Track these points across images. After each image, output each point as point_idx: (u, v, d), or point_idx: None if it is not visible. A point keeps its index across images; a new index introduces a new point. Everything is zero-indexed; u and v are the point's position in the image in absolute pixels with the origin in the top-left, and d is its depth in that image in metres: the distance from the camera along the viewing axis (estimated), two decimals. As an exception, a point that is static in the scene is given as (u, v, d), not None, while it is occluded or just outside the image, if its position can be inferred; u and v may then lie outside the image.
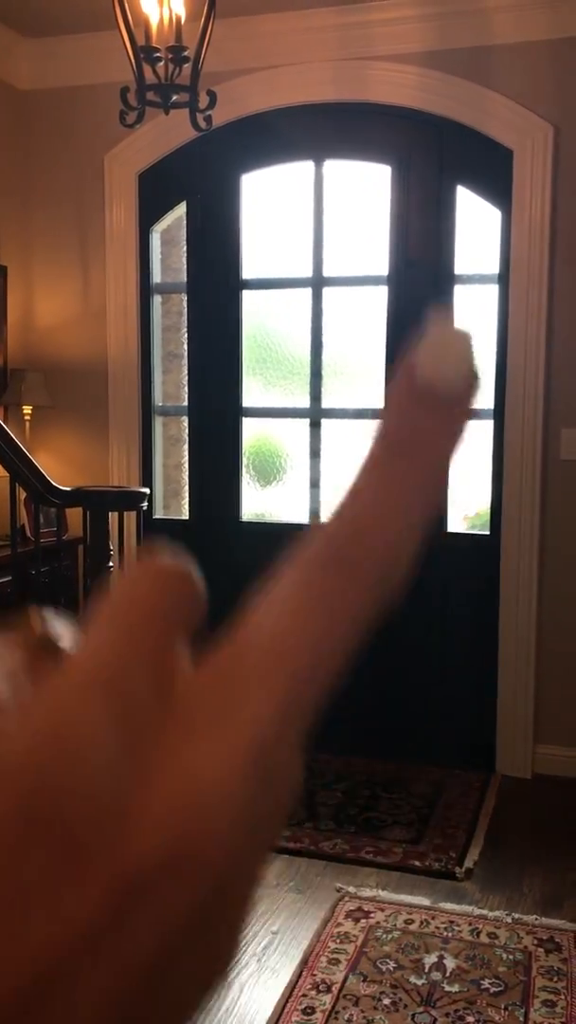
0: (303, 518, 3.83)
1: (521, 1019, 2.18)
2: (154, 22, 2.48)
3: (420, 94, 3.48)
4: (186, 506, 3.99)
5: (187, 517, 3.97)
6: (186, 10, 2.52)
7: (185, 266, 3.87)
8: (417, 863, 2.91)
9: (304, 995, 2.26)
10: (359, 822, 3.18)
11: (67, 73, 3.84)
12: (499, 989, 2.29)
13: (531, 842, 3.07)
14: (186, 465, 3.98)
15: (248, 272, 3.78)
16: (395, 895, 2.72)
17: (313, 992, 2.27)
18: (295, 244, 3.72)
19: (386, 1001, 2.24)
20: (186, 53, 2.46)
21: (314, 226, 3.68)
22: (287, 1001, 2.24)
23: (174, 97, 2.51)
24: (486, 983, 2.31)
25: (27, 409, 3.82)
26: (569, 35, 3.32)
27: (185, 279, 3.88)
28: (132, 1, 2.46)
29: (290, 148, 3.68)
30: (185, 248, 3.86)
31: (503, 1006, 2.22)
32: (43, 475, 2.46)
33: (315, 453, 3.79)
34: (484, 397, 3.57)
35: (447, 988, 2.29)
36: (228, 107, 3.55)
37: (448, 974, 2.34)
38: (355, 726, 3.77)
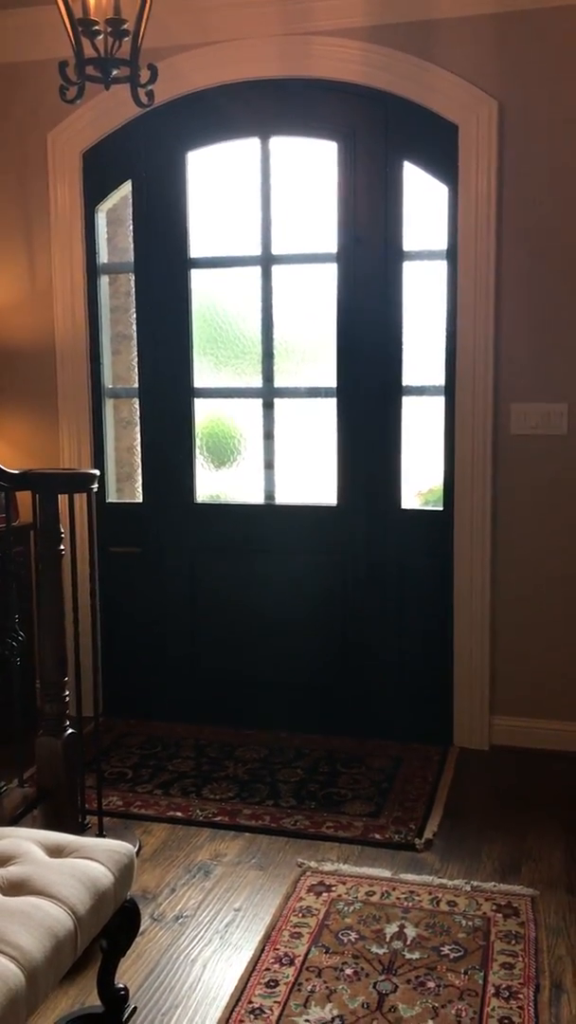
0: (258, 498, 3.82)
1: (480, 982, 2.21)
2: (92, -6, 2.44)
3: (365, 69, 3.46)
4: (139, 489, 3.96)
5: (141, 500, 3.94)
6: (125, -17, 2.48)
7: (132, 246, 3.83)
8: (377, 836, 2.94)
9: (267, 969, 2.27)
10: (319, 798, 3.19)
11: (5, 50, 3.75)
12: (459, 954, 2.32)
13: (489, 811, 3.11)
14: (138, 448, 3.95)
15: (196, 251, 3.75)
16: (356, 868, 2.75)
17: (276, 965, 2.29)
18: (243, 222, 3.69)
19: (348, 971, 2.26)
20: (126, 26, 2.42)
21: (261, 203, 3.65)
22: (250, 975, 2.25)
23: (114, 72, 2.47)
24: (446, 949, 2.34)
25: (-26, 394, 3.76)
26: (513, 9, 3.32)
27: (132, 259, 3.83)
28: (69, -28, 2.41)
29: (235, 125, 3.64)
30: (132, 227, 3.81)
31: (463, 970, 2.26)
32: (-10, 458, 2.42)
33: (268, 434, 3.78)
34: (435, 374, 3.59)
35: (408, 956, 2.32)
36: (170, 84, 3.51)
37: (409, 942, 2.37)
38: (313, 704, 3.79)
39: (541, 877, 2.70)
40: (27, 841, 1.94)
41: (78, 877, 1.80)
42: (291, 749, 3.60)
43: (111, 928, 1.93)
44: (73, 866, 1.84)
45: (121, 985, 2.02)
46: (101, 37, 2.43)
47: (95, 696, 2.67)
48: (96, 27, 2.42)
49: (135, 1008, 2.09)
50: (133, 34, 2.44)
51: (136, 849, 2.62)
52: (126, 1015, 2.01)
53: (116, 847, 1.94)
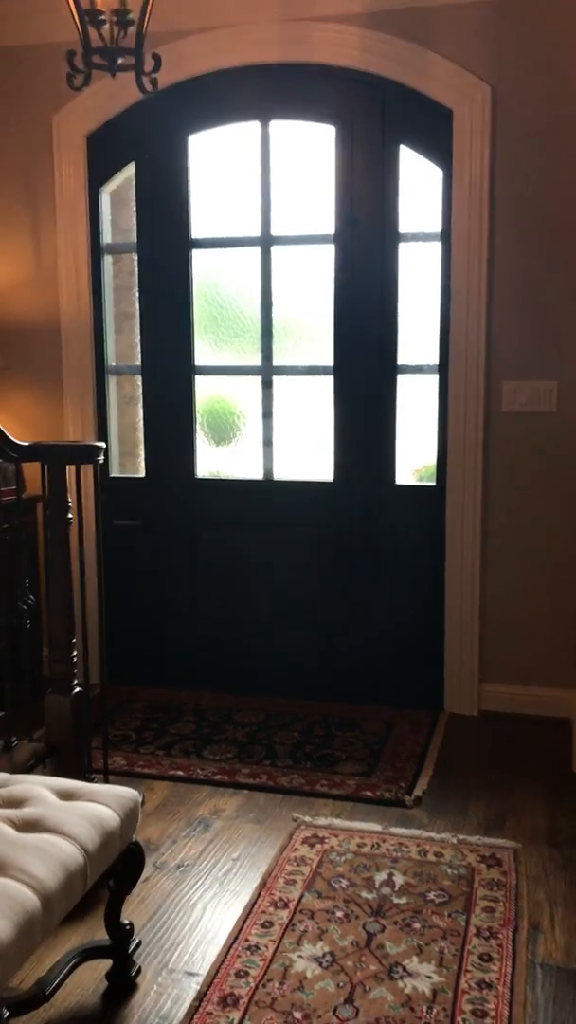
0: (257, 474, 3.94)
1: (463, 924, 2.36)
2: (99, -15, 2.54)
3: (362, 55, 3.56)
4: (142, 464, 4.08)
5: (143, 475, 4.07)
6: (130, -27, 2.58)
7: (135, 226, 3.93)
8: (369, 793, 3.08)
9: (263, 911, 2.42)
10: (315, 758, 3.34)
11: (12, 33, 3.84)
12: (443, 900, 2.47)
13: (476, 772, 3.26)
14: (141, 424, 4.07)
15: (197, 231, 3.85)
16: (348, 822, 2.89)
17: (271, 909, 2.43)
18: (243, 203, 3.79)
19: (339, 913, 2.41)
20: (131, 16, 2.52)
21: (261, 186, 3.75)
22: (247, 917, 2.40)
23: (120, 60, 2.57)
24: (432, 895, 2.49)
25: (-18, 370, 3.88)
26: (505, -3, 3.41)
27: (135, 239, 3.93)
28: (76, -36, 2.51)
29: (236, 109, 3.74)
30: (135, 208, 3.92)
31: (447, 913, 2.40)
32: (1, 430, 2.54)
33: (267, 412, 3.89)
34: (429, 353, 3.71)
35: (396, 900, 2.47)
36: (173, 68, 3.60)
37: (397, 889, 2.52)
38: (310, 671, 3.93)
39: (523, 832, 2.84)
40: (40, 786, 2.07)
41: (87, 818, 1.94)
42: (288, 714, 3.74)
43: (117, 868, 2.07)
44: (83, 808, 1.98)
45: (127, 921, 2.16)
46: (107, 26, 2.53)
47: (101, 659, 2.80)
48: (102, 17, 2.52)
49: (140, 942, 2.23)
50: (138, 23, 2.54)
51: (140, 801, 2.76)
52: (131, 948, 2.16)
53: (123, 792, 2.08)
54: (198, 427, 3.98)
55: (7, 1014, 1.90)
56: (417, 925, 2.36)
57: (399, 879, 2.57)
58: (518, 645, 3.72)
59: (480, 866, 2.63)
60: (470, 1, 3.44)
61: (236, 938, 2.31)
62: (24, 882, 1.70)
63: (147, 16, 2.54)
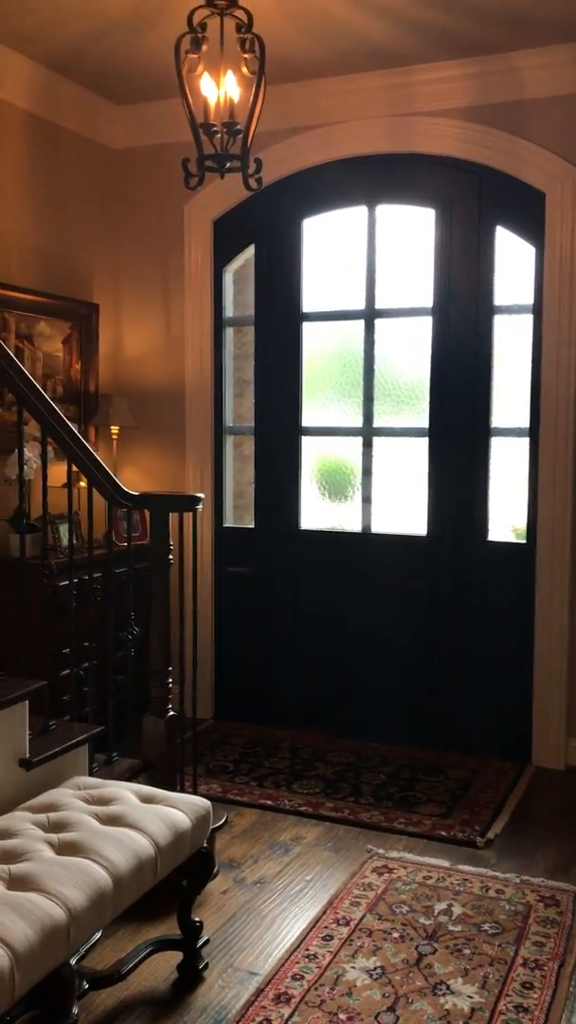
0: (356, 527, 4.21)
1: (512, 954, 2.50)
2: (212, 102, 2.95)
3: (462, 144, 3.86)
4: (253, 516, 4.42)
5: (253, 526, 4.40)
6: (240, 90, 2.98)
7: (253, 302, 4.33)
8: (443, 833, 3.24)
9: (326, 927, 2.63)
10: (397, 799, 3.52)
11: (152, 134, 4.37)
12: (497, 931, 2.61)
13: (552, 822, 3.36)
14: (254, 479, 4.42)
15: (308, 305, 4.22)
16: (419, 857, 3.06)
17: (334, 925, 2.64)
18: (350, 280, 4.13)
19: (395, 935, 2.59)
20: (238, 127, 2.91)
21: (367, 264, 4.08)
22: (311, 930, 2.61)
23: (228, 164, 2.97)
24: (486, 926, 2.64)
25: (115, 429, 4.33)
26: (597, 88, 3.65)
27: (253, 313, 4.33)
28: (193, 85, 2.93)
29: (346, 195, 4.10)
30: (254, 285, 4.32)
31: (498, 944, 2.54)
32: (115, 481, 2.91)
33: (367, 471, 4.17)
34: (520, 417, 3.90)
35: (451, 928, 2.62)
36: (289, 160, 4.03)
37: (454, 918, 2.68)
38: (401, 717, 4.12)
39: (589, 878, 2.93)
40: (126, 790, 2.38)
41: (162, 818, 2.23)
42: (377, 756, 3.93)
43: (190, 869, 2.34)
44: (158, 810, 2.27)
45: (196, 919, 2.42)
46: (218, 136, 2.93)
47: (193, 694, 3.09)
48: (214, 128, 2.93)
49: (208, 940, 2.49)
50: (244, 133, 2.93)
51: (223, 821, 3.03)
52: (200, 943, 2.41)
53: (197, 800, 2.36)
54: (313, 483, 4.29)
55: (87, 986, 2.19)
56: (467, 951, 2.51)
57: (457, 910, 2.72)
58: (606, 702, 3.79)
59: (538, 905, 2.75)
60: (561, 94, 3.69)
61: (297, 947, 2.53)
62: (100, 864, 1.99)
63: (252, 127, 2.93)
